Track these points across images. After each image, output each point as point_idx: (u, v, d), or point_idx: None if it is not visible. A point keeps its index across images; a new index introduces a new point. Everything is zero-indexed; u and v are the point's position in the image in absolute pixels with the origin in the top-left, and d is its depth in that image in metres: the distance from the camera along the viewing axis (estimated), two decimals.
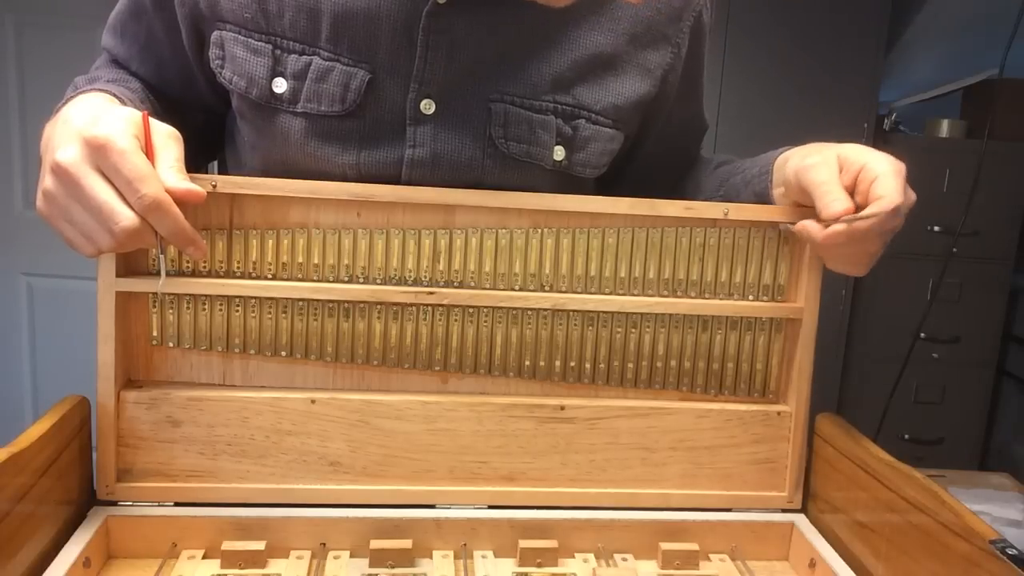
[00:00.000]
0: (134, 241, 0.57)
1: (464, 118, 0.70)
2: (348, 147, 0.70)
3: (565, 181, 0.76)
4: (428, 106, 0.69)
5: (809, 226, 0.66)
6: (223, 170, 0.87)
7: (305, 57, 0.68)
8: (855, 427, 0.71)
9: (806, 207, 0.68)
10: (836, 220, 0.63)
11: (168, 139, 0.60)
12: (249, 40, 0.69)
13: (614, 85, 0.74)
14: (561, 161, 0.74)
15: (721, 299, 0.71)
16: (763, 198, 0.73)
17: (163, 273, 0.63)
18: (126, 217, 0.55)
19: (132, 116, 0.58)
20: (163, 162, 0.58)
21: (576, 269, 0.70)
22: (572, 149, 0.74)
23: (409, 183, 0.70)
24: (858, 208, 0.63)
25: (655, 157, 0.86)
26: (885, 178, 0.62)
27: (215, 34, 0.70)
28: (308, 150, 0.70)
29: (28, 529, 0.57)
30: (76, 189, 0.55)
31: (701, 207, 0.69)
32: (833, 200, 0.63)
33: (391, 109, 0.70)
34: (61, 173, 0.55)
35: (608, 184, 0.84)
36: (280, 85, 0.69)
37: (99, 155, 0.55)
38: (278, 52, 0.69)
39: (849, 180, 0.64)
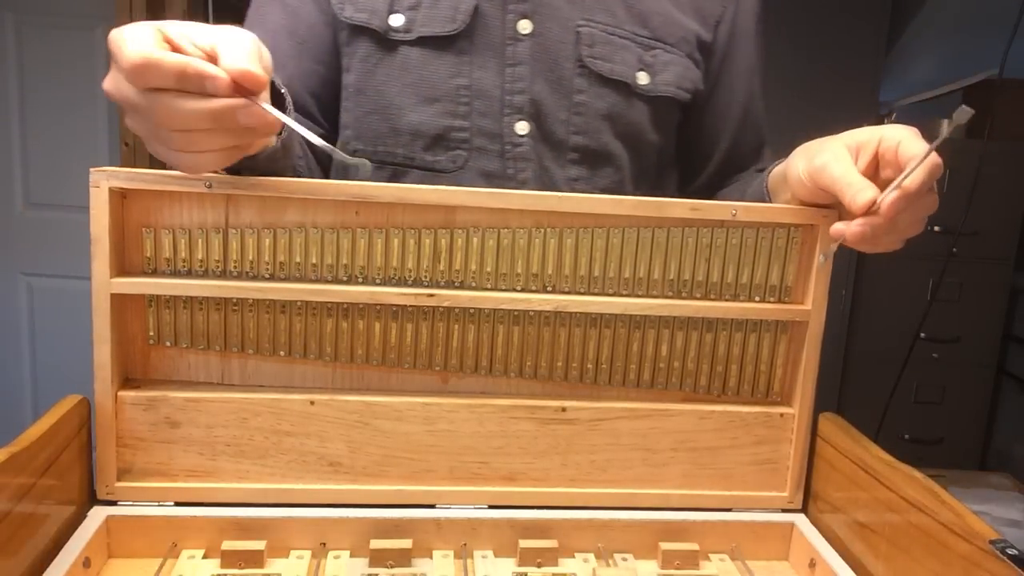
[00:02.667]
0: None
1: (556, 38, 0.80)
2: (460, 69, 0.80)
3: (654, 111, 0.84)
4: (525, 26, 0.80)
5: (842, 227, 0.62)
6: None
7: None
8: (855, 427, 0.71)
9: (819, 206, 0.68)
10: (867, 211, 0.59)
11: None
12: None
13: (680, 22, 0.84)
14: (646, 84, 0.83)
15: (726, 300, 0.71)
16: None
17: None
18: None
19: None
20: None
21: (579, 270, 0.69)
22: (654, 73, 0.83)
23: (512, 107, 0.80)
24: (887, 184, 0.60)
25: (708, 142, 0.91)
26: (907, 141, 0.60)
27: None
28: (425, 73, 0.80)
29: (28, 529, 0.57)
30: None
31: (708, 207, 0.68)
32: (857, 192, 0.60)
33: (493, 32, 0.80)
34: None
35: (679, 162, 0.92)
36: (396, 19, 0.79)
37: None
38: None
39: (868, 160, 0.63)
